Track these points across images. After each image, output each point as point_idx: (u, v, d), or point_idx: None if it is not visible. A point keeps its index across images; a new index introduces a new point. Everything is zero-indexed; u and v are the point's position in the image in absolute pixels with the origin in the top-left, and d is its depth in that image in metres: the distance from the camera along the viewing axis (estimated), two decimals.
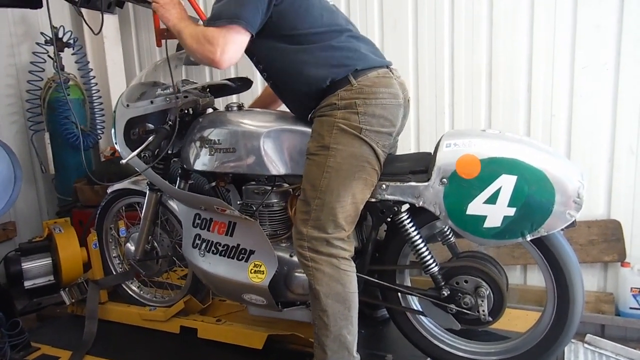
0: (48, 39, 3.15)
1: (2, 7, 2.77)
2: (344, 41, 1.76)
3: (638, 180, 2.52)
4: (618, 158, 2.54)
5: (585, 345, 1.95)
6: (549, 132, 2.65)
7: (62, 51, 3.19)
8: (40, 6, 2.07)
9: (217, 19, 1.64)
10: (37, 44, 3.16)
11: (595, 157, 2.57)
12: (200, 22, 1.93)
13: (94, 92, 3.46)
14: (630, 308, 2.52)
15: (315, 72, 1.72)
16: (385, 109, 1.72)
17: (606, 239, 2.59)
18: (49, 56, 3.21)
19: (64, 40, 3.19)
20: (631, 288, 2.51)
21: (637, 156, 2.50)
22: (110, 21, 3.47)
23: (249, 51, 1.81)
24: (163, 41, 3.41)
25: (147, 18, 3.52)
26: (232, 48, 1.63)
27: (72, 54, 3.32)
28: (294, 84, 1.79)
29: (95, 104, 3.47)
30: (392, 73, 1.80)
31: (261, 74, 1.93)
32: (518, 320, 2.16)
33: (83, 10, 2.03)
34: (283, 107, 2.39)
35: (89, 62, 3.44)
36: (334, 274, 1.69)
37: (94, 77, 3.46)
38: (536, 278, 2.81)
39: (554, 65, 2.59)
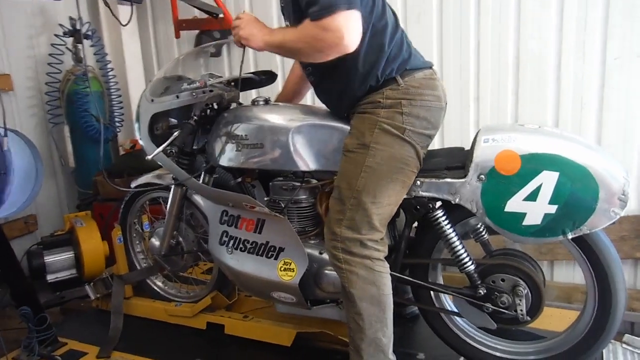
0: (66, 30, 3.12)
1: None
2: (400, 38, 1.71)
3: None
4: None
5: (624, 346, 1.91)
6: (578, 124, 2.59)
7: (81, 43, 3.16)
8: None
9: (330, 6, 1.49)
10: (56, 35, 3.13)
11: (627, 150, 2.51)
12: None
13: (112, 84, 3.43)
14: None
15: (370, 67, 1.65)
16: (429, 112, 1.68)
17: (638, 235, 2.54)
18: (67, 48, 3.18)
19: (83, 32, 3.16)
20: None
21: None
22: (128, 12, 3.42)
23: None
24: (182, 32, 3.40)
25: (164, 9, 3.47)
26: (356, 27, 1.52)
27: (91, 46, 3.28)
28: (344, 76, 1.70)
29: (113, 97, 3.44)
30: (436, 75, 1.76)
31: (305, 65, 1.85)
32: (551, 319, 2.12)
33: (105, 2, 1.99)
34: (304, 101, 2.35)
35: (107, 54, 3.41)
36: (368, 277, 1.65)
37: (112, 69, 3.42)
38: (563, 274, 2.76)
39: (584, 56, 2.52)
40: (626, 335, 1.96)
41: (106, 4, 2.00)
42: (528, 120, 2.66)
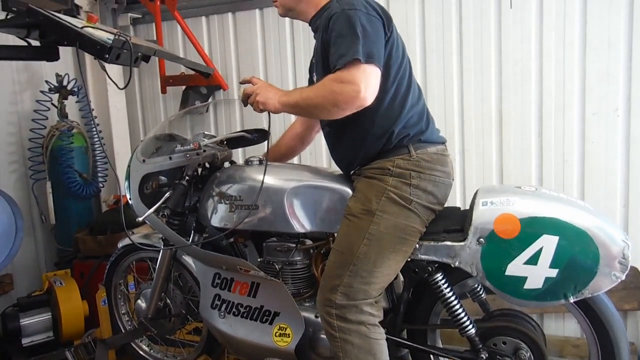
0: (52, 87, 3.09)
1: (19, 60, 2.74)
2: (421, 109, 1.75)
3: None
4: (633, 203, 2.53)
5: None
6: (561, 178, 2.64)
7: (66, 99, 3.14)
8: (58, 58, 2.02)
9: (350, 55, 1.51)
10: (41, 92, 3.10)
11: (610, 203, 2.55)
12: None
13: (95, 140, 3.38)
14: None
15: (387, 126, 1.67)
16: (437, 187, 1.70)
17: (625, 287, 2.55)
18: (52, 104, 3.15)
19: (69, 88, 3.14)
20: None
21: None
22: (114, 68, 3.41)
23: None
24: (168, 88, 3.40)
25: (151, 64, 3.46)
26: (374, 82, 1.53)
27: (76, 102, 3.26)
28: (359, 131, 1.71)
29: (97, 152, 3.39)
30: (447, 151, 1.79)
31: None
32: None
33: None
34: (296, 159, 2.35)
35: (93, 110, 3.38)
36: (363, 345, 1.61)
37: (98, 124, 3.39)
38: (553, 327, 2.76)
39: (564, 111, 2.60)
40: None
41: (103, 68, 1.99)
42: (513, 173, 2.72)
